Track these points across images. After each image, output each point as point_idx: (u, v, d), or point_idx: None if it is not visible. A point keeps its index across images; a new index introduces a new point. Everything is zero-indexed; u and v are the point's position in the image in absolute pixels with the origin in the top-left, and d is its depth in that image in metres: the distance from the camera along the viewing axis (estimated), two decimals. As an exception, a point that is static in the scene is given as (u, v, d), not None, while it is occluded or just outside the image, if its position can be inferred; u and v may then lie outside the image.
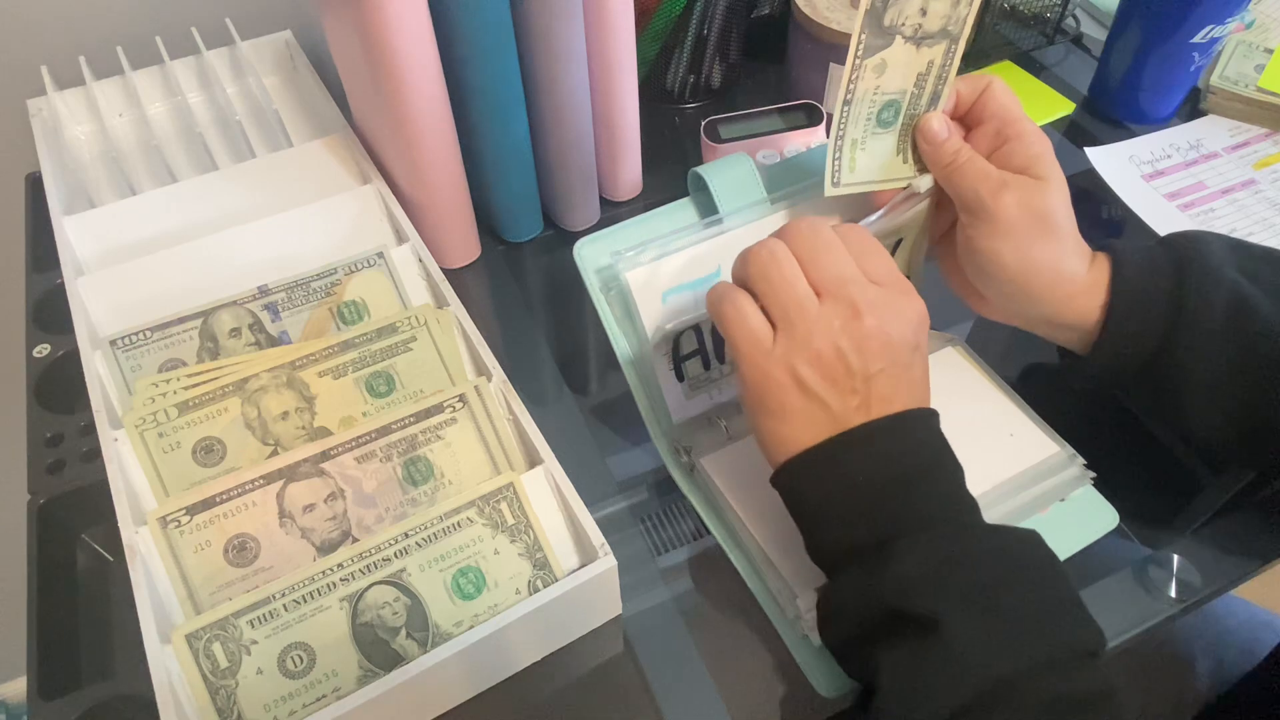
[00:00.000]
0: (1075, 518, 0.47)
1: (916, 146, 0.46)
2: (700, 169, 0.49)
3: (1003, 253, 0.43)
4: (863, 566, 0.36)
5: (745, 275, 0.40)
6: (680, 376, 0.47)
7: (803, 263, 0.39)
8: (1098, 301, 0.43)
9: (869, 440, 0.38)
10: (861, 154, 0.45)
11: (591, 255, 0.49)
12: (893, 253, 0.48)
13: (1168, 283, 0.43)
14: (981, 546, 0.36)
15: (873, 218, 0.46)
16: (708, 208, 0.50)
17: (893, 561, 0.35)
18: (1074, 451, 0.48)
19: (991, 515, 0.45)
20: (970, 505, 0.38)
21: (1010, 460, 0.47)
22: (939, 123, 0.45)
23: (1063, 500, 0.47)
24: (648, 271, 0.46)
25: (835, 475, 0.38)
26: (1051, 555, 0.37)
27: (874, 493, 0.37)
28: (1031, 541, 0.37)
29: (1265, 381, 0.41)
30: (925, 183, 0.46)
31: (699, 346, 0.47)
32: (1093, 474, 0.47)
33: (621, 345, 0.50)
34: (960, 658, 0.33)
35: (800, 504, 0.39)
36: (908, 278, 0.49)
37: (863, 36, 0.42)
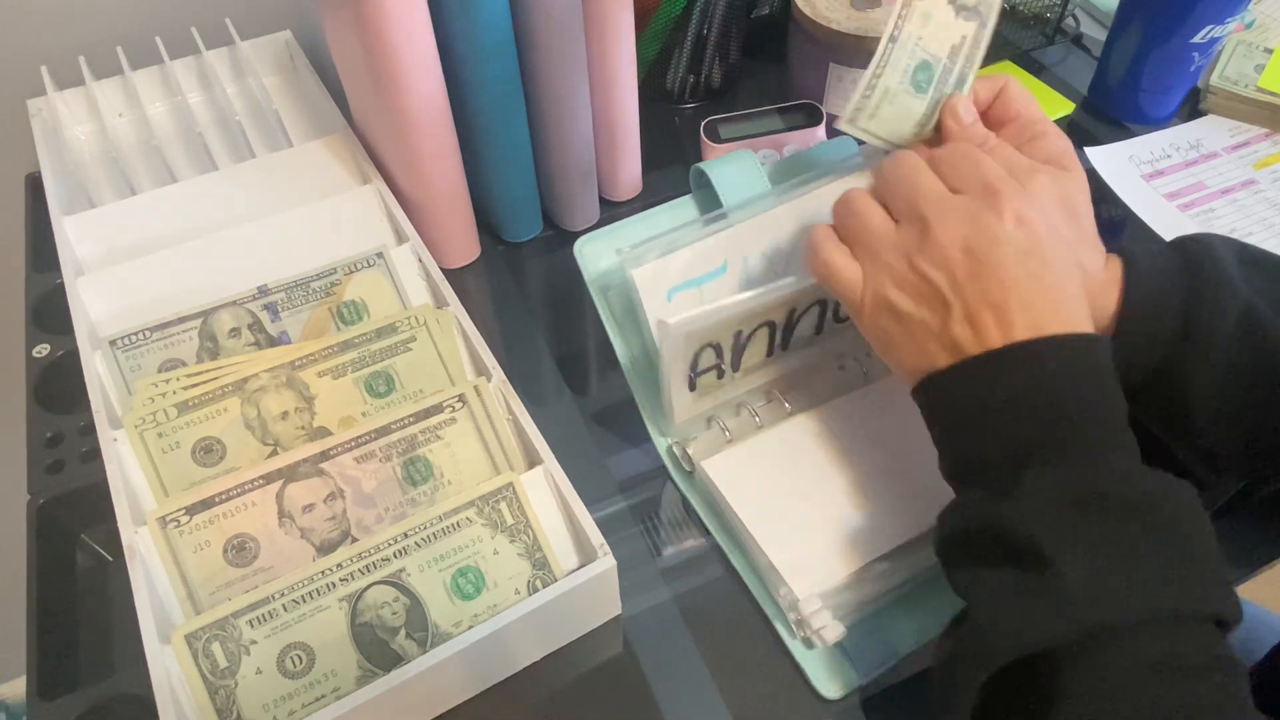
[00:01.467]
0: None
1: (939, 127, 0.45)
2: (702, 164, 0.49)
3: None
4: (986, 489, 0.35)
5: (835, 228, 0.41)
6: (693, 388, 0.47)
7: (882, 196, 0.40)
8: (1110, 302, 0.43)
9: (1010, 363, 0.36)
10: (889, 107, 0.44)
11: (593, 254, 0.49)
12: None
13: (1180, 290, 0.42)
14: (1118, 490, 0.34)
15: None
16: (710, 204, 0.50)
17: (1016, 490, 0.34)
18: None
19: None
20: (1119, 442, 0.35)
21: None
22: (966, 105, 0.44)
23: None
24: (654, 269, 0.46)
25: (971, 394, 0.37)
26: (1198, 511, 0.34)
27: (1009, 417, 0.35)
28: (1178, 496, 0.34)
29: (1273, 395, 0.41)
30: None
31: (716, 362, 0.46)
32: None
33: (621, 346, 0.50)
34: (1065, 597, 0.31)
35: (935, 419, 0.39)
36: None
37: None
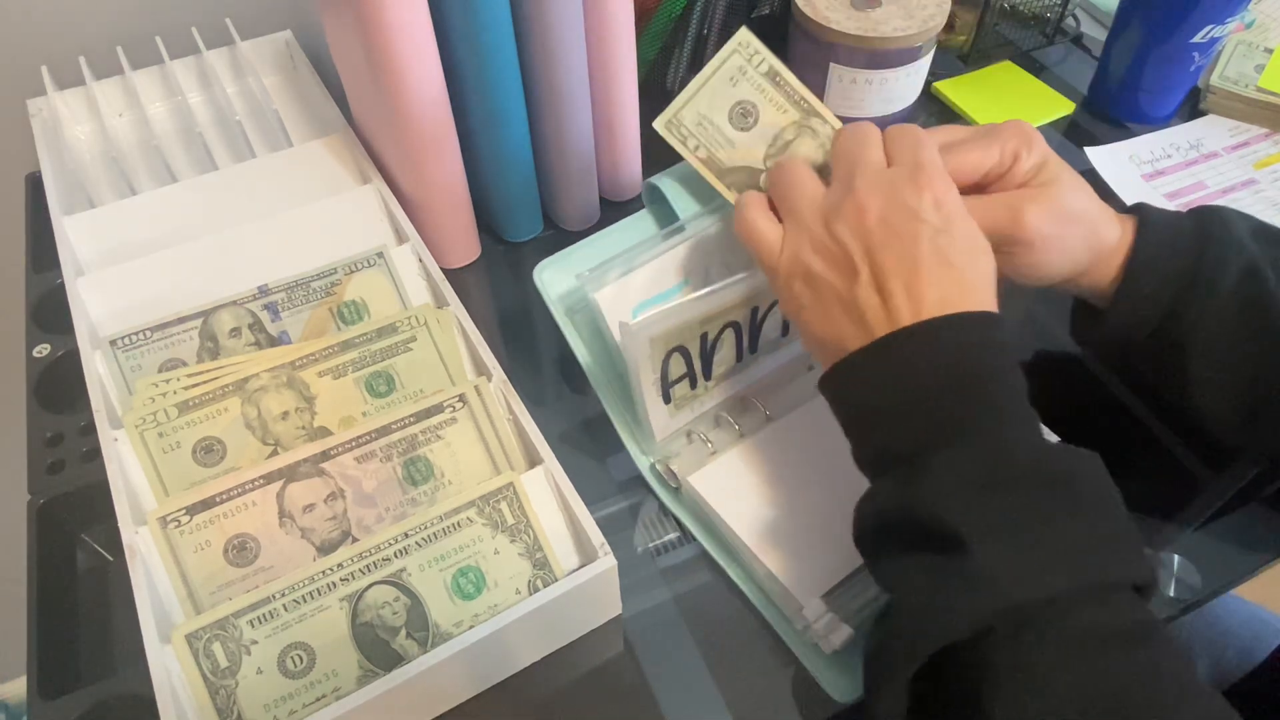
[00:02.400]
0: None
1: None
2: (654, 179, 0.49)
3: (1046, 262, 0.44)
4: (897, 477, 0.35)
5: (769, 190, 0.42)
6: (667, 400, 0.47)
7: (832, 166, 0.41)
8: (1119, 259, 0.44)
9: (908, 344, 0.36)
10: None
11: (552, 279, 0.49)
12: None
13: (1187, 247, 0.43)
14: (1025, 467, 0.34)
15: None
16: (666, 218, 0.50)
17: (927, 475, 0.34)
18: (1057, 437, 0.48)
19: None
20: (1023, 417, 0.36)
21: None
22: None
23: None
24: (615, 290, 0.46)
25: (873, 381, 0.37)
26: (1106, 482, 0.34)
27: (913, 401, 0.35)
28: (1085, 466, 0.35)
29: (1267, 359, 0.42)
30: None
31: (687, 370, 0.46)
32: None
33: (593, 368, 0.50)
34: (984, 580, 0.31)
35: (842, 410, 0.39)
36: None
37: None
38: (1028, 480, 0.33)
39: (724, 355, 0.47)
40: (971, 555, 0.32)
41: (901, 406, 0.36)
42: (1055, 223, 0.43)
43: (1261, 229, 0.45)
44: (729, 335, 0.46)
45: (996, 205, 0.43)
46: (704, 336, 0.45)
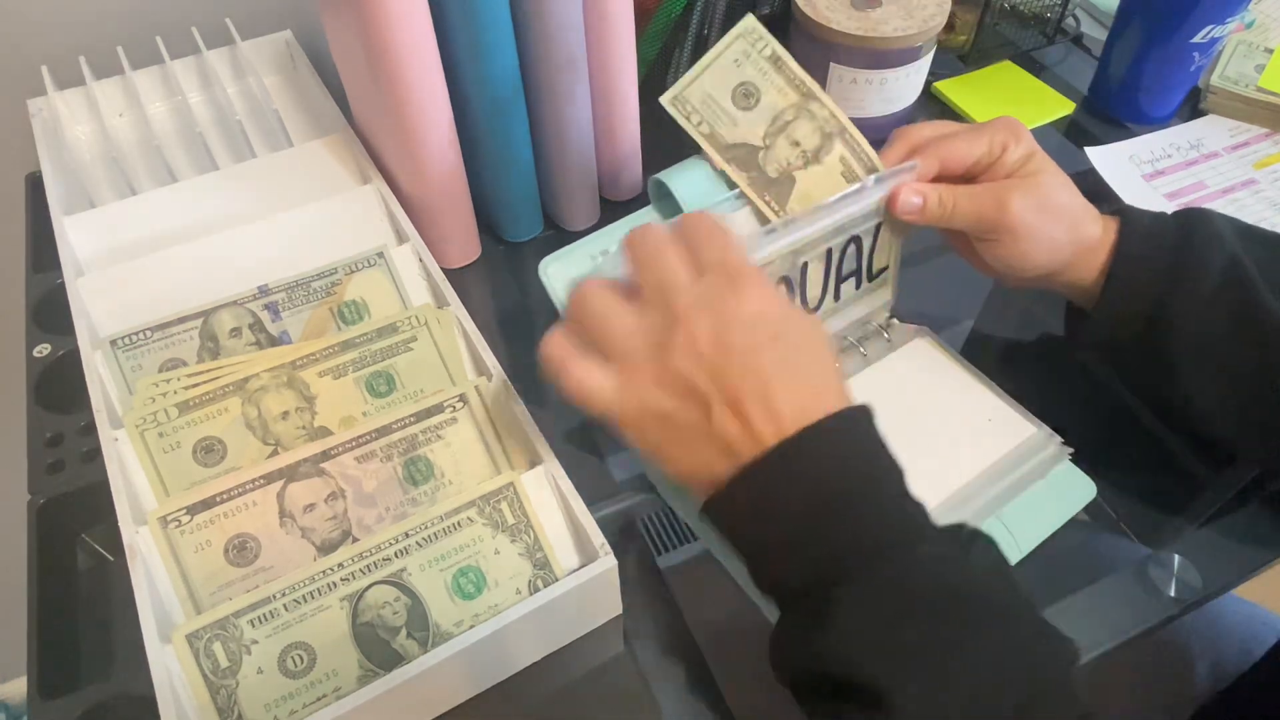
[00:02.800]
0: (1054, 493, 0.47)
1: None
2: (660, 175, 0.49)
3: (1030, 253, 0.45)
4: (802, 616, 0.34)
5: (576, 332, 0.38)
6: None
7: (634, 272, 0.37)
8: (1101, 257, 0.45)
9: (775, 470, 0.34)
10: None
11: (558, 273, 0.49)
12: (874, 237, 0.48)
13: (1170, 245, 0.44)
14: (924, 591, 0.32)
15: (836, 196, 0.45)
16: (671, 214, 0.50)
17: (831, 623, 0.32)
18: (1050, 430, 0.48)
19: (979, 501, 0.45)
20: (910, 526, 0.34)
21: (992, 446, 0.48)
22: (907, 195, 0.46)
23: (1042, 478, 0.47)
24: None
25: (742, 523, 0.35)
26: (1002, 574, 0.34)
27: (795, 531, 0.33)
28: (979, 566, 0.34)
29: (1252, 355, 0.42)
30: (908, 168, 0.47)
31: None
32: (1070, 449, 0.48)
33: None
34: None
35: (730, 540, 0.36)
36: (885, 266, 0.50)
37: (765, 198, 0.47)
38: (926, 609, 0.32)
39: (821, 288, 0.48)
40: (894, 709, 0.30)
41: (789, 535, 0.34)
42: (1039, 212, 0.44)
43: (1245, 229, 0.46)
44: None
45: (983, 194, 0.45)
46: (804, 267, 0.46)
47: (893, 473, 0.35)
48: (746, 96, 0.46)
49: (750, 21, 0.46)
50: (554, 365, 0.37)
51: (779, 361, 0.35)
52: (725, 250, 0.37)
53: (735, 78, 0.46)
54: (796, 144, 0.46)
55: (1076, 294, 0.48)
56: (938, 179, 0.46)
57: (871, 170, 0.47)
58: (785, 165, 0.46)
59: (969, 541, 0.34)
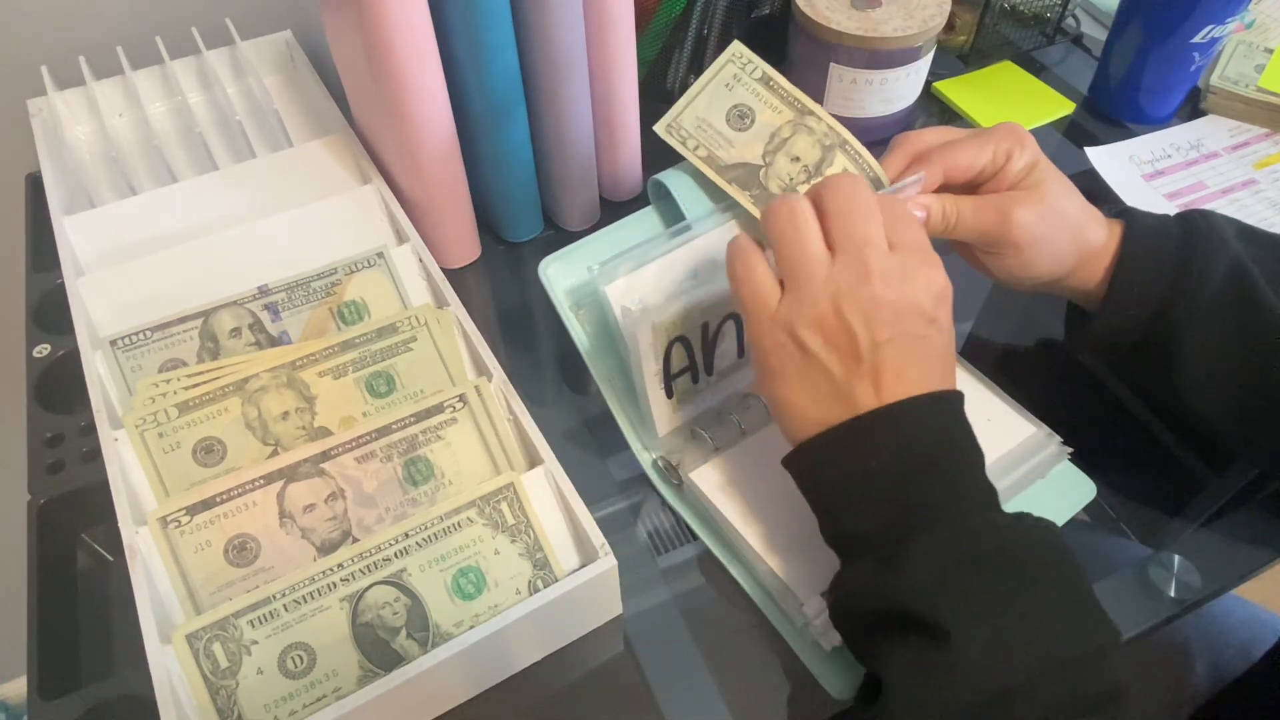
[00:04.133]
0: (1054, 493, 0.47)
1: None
2: (660, 176, 0.49)
3: (1034, 263, 0.45)
4: (875, 561, 0.36)
5: (765, 230, 0.39)
6: (670, 394, 0.47)
7: (824, 218, 0.38)
8: (1105, 261, 0.45)
9: (880, 427, 0.36)
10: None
11: (558, 274, 0.49)
12: None
13: (1173, 248, 0.44)
14: (994, 547, 0.35)
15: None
16: (671, 215, 0.50)
17: (905, 563, 0.35)
18: (1050, 430, 0.48)
19: None
20: (986, 497, 0.37)
21: (992, 446, 0.47)
22: (911, 208, 0.44)
23: (1042, 478, 0.47)
24: (626, 283, 0.46)
25: (845, 464, 0.37)
26: (1065, 550, 0.36)
27: (885, 484, 0.36)
28: (1045, 539, 0.36)
29: (1257, 358, 0.43)
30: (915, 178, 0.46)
31: (689, 363, 0.46)
32: (1070, 449, 0.48)
33: (596, 363, 0.50)
34: (968, 666, 0.33)
35: (812, 490, 0.39)
36: None
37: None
38: (999, 561, 0.35)
39: (725, 349, 0.47)
40: (955, 643, 0.33)
41: (879, 486, 0.36)
42: (1043, 224, 0.44)
43: (1247, 230, 0.46)
44: (730, 328, 0.46)
45: (987, 207, 0.44)
46: (705, 327, 0.45)
47: (975, 453, 0.38)
48: (741, 118, 0.46)
49: (738, 46, 0.46)
50: (737, 249, 0.39)
51: (931, 349, 0.38)
52: (916, 231, 0.39)
53: (728, 101, 0.46)
54: (796, 159, 0.46)
55: (1080, 297, 0.48)
56: (941, 188, 0.46)
57: (875, 180, 0.46)
58: (788, 181, 0.46)
59: (1036, 521, 0.37)
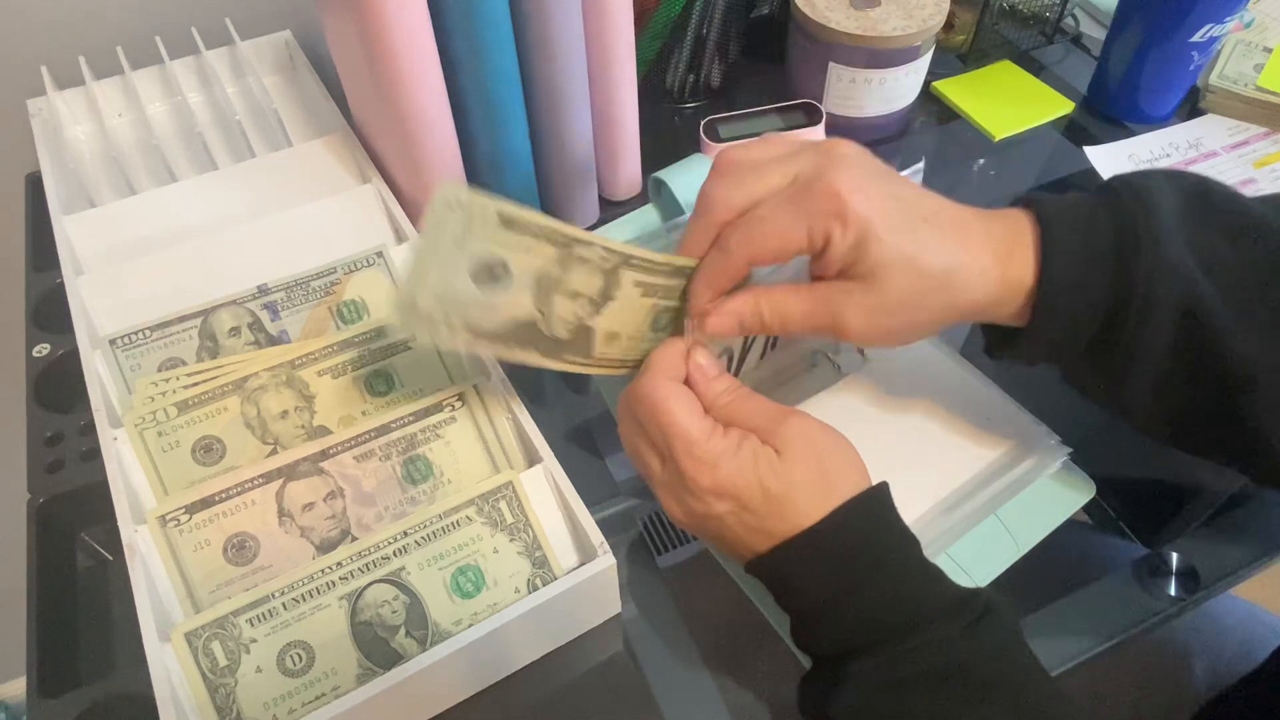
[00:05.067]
0: (1053, 492, 0.47)
1: (684, 295, 0.41)
2: (659, 173, 0.49)
3: (895, 341, 0.38)
4: (820, 680, 0.36)
5: None
6: None
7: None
8: (1015, 302, 0.36)
9: (796, 552, 0.36)
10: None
11: None
12: (740, 361, 0.47)
13: (1104, 281, 0.35)
14: (932, 667, 0.34)
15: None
16: (671, 211, 0.50)
17: (843, 690, 0.34)
18: (1048, 429, 0.48)
19: (977, 500, 0.45)
20: (920, 600, 0.35)
21: (989, 444, 0.48)
22: (715, 321, 0.38)
23: (1041, 477, 0.47)
24: None
25: (779, 589, 0.37)
26: (1014, 650, 0.35)
27: (814, 611, 0.36)
28: (992, 641, 0.34)
29: (1202, 388, 0.36)
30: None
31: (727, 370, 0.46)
32: (1068, 448, 0.47)
33: None
34: None
35: (773, 594, 0.39)
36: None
37: (568, 359, 0.39)
38: (933, 684, 0.34)
39: (753, 354, 0.47)
40: None
41: (812, 609, 0.36)
42: (889, 315, 0.36)
43: (1201, 204, 0.36)
44: (761, 335, 0.46)
45: (816, 306, 0.37)
46: (746, 338, 0.45)
47: (901, 550, 0.36)
48: (492, 275, 0.35)
49: (450, 191, 0.34)
50: (621, 422, 0.40)
51: (750, 529, 0.37)
52: (670, 439, 0.37)
53: (464, 259, 0.35)
54: (577, 294, 0.37)
55: (996, 318, 0.39)
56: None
57: (679, 270, 0.39)
58: (574, 320, 0.38)
59: (983, 613, 0.35)
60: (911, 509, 0.44)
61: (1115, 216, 0.36)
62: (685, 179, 0.49)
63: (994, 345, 0.41)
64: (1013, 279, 0.36)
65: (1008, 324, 0.38)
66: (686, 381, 0.39)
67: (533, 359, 0.38)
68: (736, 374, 0.47)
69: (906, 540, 0.37)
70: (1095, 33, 0.81)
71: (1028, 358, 0.39)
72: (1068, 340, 0.37)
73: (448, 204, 0.34)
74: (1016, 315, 0.37)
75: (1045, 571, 0.46)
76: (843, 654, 0.35)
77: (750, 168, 0.37)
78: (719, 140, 0.63)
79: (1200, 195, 0.36)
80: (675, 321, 0.41)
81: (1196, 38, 0.65)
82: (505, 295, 0.36)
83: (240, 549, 0.44)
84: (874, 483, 0.38)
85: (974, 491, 0.46)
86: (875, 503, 0.37)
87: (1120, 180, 0.37)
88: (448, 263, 0.35)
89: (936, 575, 0.36)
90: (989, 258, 0.36)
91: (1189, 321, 0.35)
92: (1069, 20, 0.81)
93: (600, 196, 0.66)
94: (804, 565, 0.36)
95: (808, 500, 0.36)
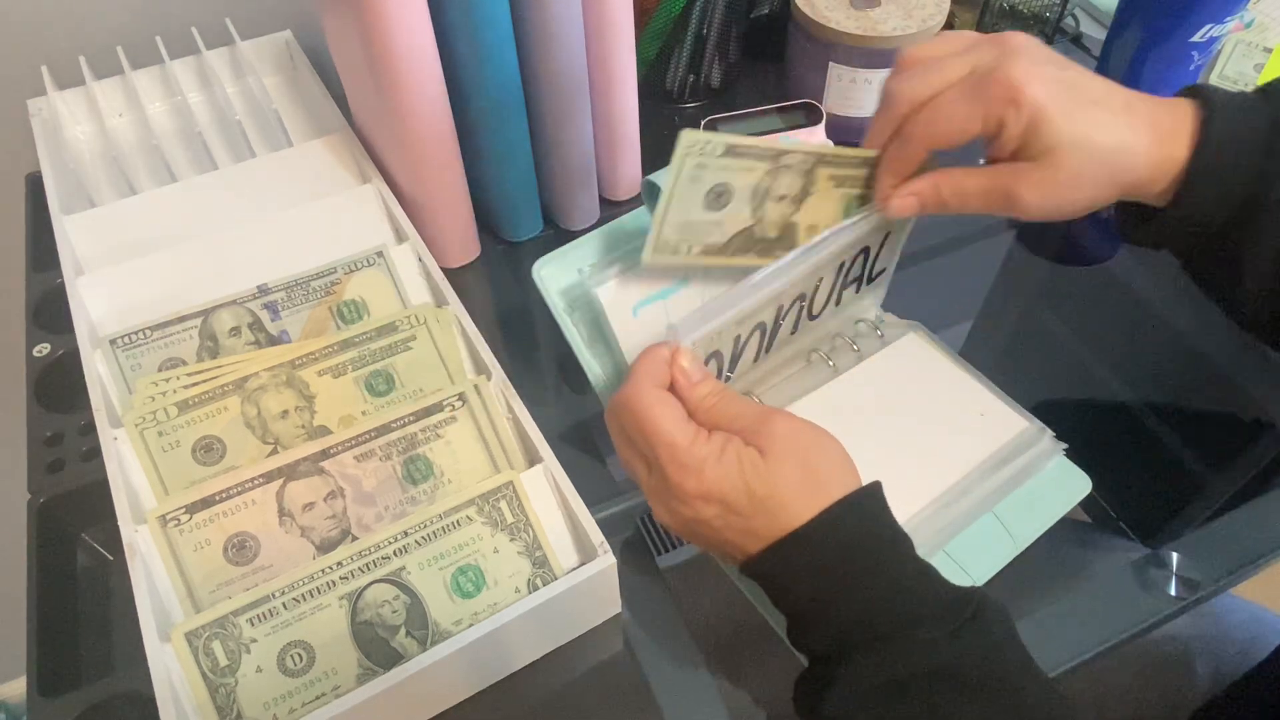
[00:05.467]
0: (1050, 488, 0.47)
1: (871, 183, 0.44)
2: (653, 176, 0.49)
3: (1063, 213, 0.40)
4: (812, 679, 0.36)
5: None
6: None
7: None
8: (1168, 179, 0.39)
9: (786, 554, 0.36)
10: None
11: (552, 275, 0.49)
12: (882, 243, 0.48)
13: (1259, 151, 0.38)
14: (921, 670, 0.34)
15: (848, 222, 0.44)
16: None
17: (830, 692, 0.34)
18: (1043, 425, 0.48)
19: (973, 496, 0.45)
20: (911, 602, 0.35)
21: (984, 440, 0.47)
22: (899, 201, 0.42)
23: (1038, 473, 0.47)
24: (617, 285, 0.46)
25: (771, 589, 0.37)
26: (1006, 650, 0.35)
27: (806, 607, 0.36)
28: (983, 642, 0.34)
29: None
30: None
31: (716, 373, 0.46)
32: (1064, 445, 0.47)
33: (593, 367, 0.49)
34: None
35: (768, 593, 0.39)
36: (884, 269, 0.49)
37: (777, 255, 0.43)
38: (923, 687, 0.34)
39: (746, 356, 0.47)
40: None
41: (803, 610, 0.36)
42: (1059, 191, 0.39)
43: None
44: (755, 336, 0.46)
45: (994, 183, 0.40)
46: (737, 339, 0.45)
47: (894, 550, 0.36)
48: (718, 197, 0.43)
49: (690, 135, 0.40)
50: (610, 423, 0.40)
51: (739, 532, 0.37)
52: (649, 444, 0.38)
53: (700, 190, 0.42)
54: (783, 197, 0.43)
55: (1142, 196, 0.41)
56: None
57: (865, 161, 0.44)
58: (782, 219, 0.44)
59: (975, 613, 0.35)
60: (908, 505, 0.44)
61: (1270, 104, 0.39)
62: None
63: (1129, 225, 0.43)
64: (1168, 159, 0.39)
65: (1154, 203, 0.41)
66: (671, 388, 0.39)
67: (751, 261, 0.43)
68: (730, 375, 0.47)
69: (899, 540, 0.37)
70: (1095, 33, 0.81)
71: (1160, 238, 0.42)
72: (1204, 220, 0.39)
73: (686, 149, 0.40)
74: (1163, 194, 0.40)
75: (1045, 572, 0.46)
76: (835, 654, 0.35)
77: (930, 63, 0.40)
78: (719, 140, 0.63)
79: None
80: (865, 209, 0.44)
81: (1196, 38, 0.65)
82: (729, 211, 0.42)
83: (240, 549, 0.44)
84: (868, 480, 0.38)
85: (970, 488, 0.46)
86: (867, 502, 0.37)
87: (1272, 83, 0.41)
88: (686, 197, 0.41)
89: (930, 575, 0.36)
90: (1151, 138, 0.39)
91: None
92: (1069, 20, 0.81)
93: (600, 196, 0.66)
94: (794, 566, 0.36)
95: (796, 500, 0.36)
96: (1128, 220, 0.43)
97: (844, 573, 0.35)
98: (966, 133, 0.39)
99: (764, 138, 0.41)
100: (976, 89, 0.38)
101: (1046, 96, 0.37)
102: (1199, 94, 0.40)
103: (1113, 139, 0.38)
